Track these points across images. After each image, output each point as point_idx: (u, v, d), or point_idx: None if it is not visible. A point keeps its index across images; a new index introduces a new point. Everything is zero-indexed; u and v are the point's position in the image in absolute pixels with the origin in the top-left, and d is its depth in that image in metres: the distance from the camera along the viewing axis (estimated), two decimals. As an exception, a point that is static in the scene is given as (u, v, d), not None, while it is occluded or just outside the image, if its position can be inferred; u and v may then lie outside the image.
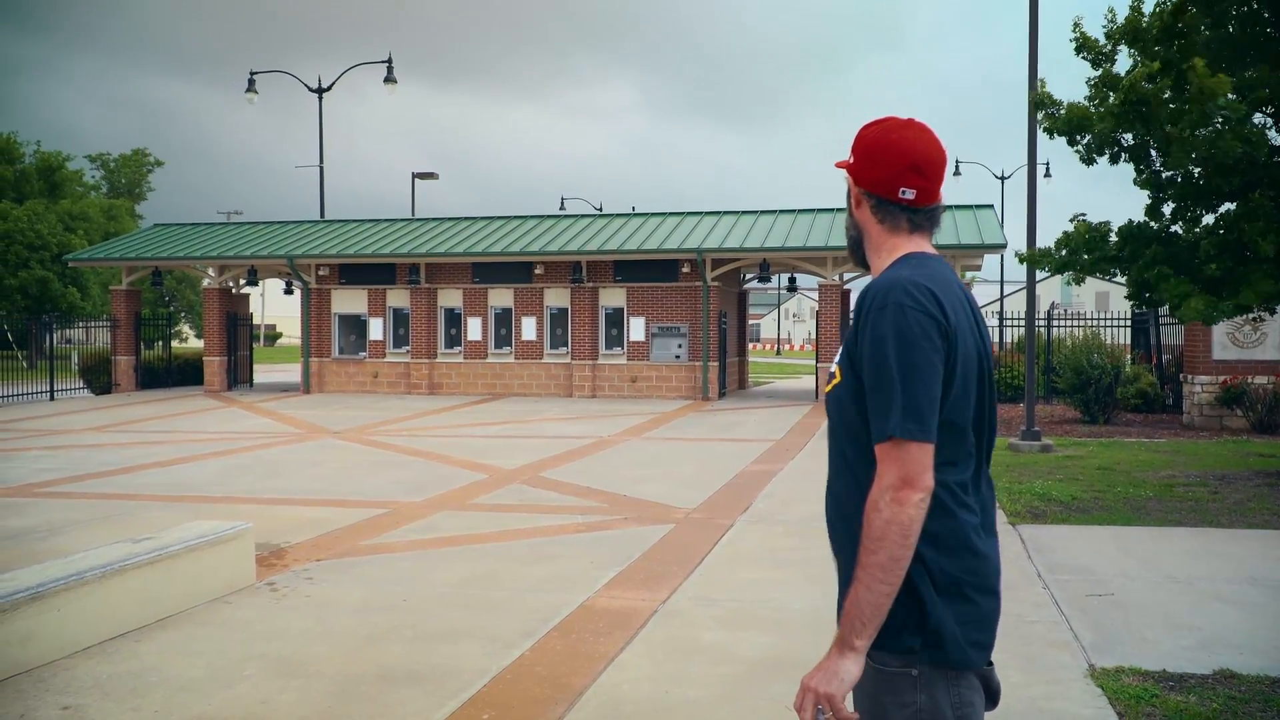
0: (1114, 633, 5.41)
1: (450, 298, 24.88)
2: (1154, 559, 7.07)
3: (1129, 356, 17.63)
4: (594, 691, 4.61)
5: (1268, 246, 9.00)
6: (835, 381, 2.10)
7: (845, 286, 23.86)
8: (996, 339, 23.61)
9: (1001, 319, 24.77)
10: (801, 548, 7.59)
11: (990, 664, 2.04)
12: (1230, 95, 9.10)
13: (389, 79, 30.93)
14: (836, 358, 2.14)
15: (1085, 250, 10.66)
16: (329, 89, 31.51)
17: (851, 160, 2.21)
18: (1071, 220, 10.94)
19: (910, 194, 2.11)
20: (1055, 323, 21.23)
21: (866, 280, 2.24)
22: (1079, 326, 21.02)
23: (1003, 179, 42.04)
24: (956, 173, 41.75)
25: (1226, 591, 6.23)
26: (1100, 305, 69.26)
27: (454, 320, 24.97)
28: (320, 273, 25.52)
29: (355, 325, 25.68)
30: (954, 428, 1.99)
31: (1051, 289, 73.27)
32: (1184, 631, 5.45)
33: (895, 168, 2.11)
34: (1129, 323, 21.08)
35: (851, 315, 2.08)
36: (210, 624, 5.68)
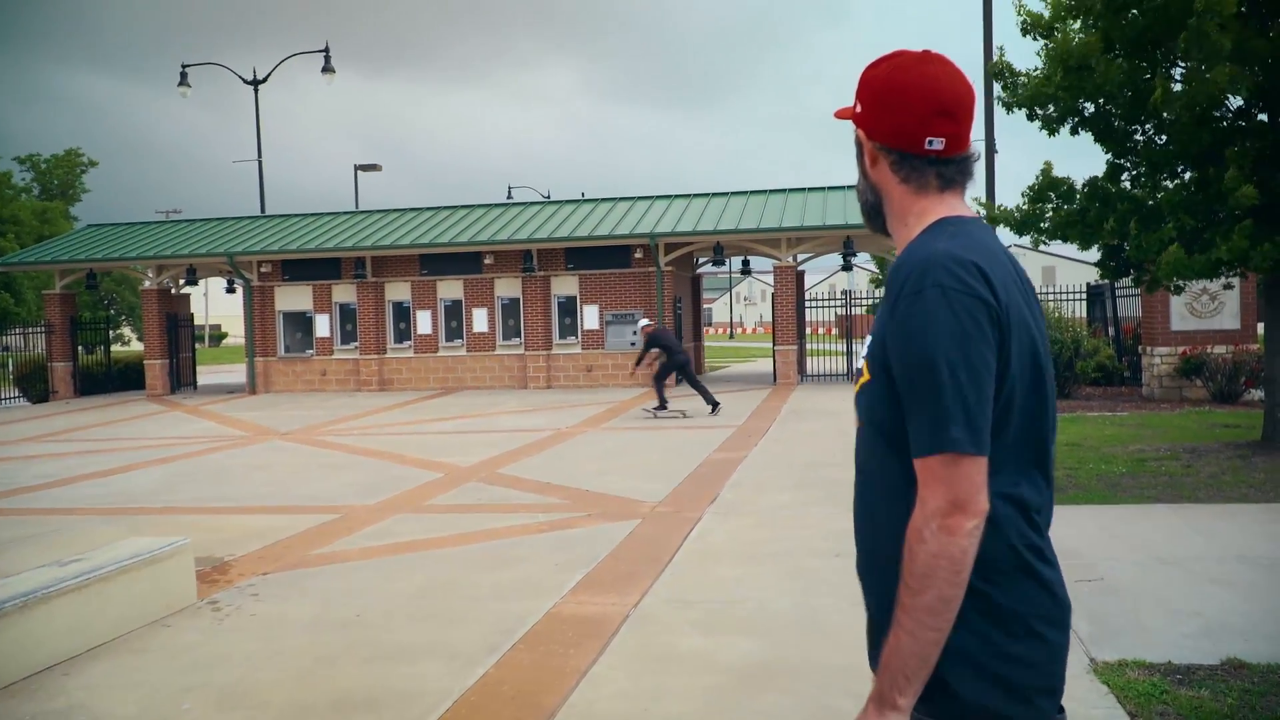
0: (1110, 622, 5.16)
1: (398, 291, 24.27)
2: (1138, 540, 6.86)
3: (1085, 330, 17.57)
4: (566, 711, 4.26)
5: (1246, 194, 8.73)
6: (864, 380, 1.73)
7: (799, 268, 23.65)
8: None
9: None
10: (775, 540, 7.29)
11: (1061, 710, 1.71)
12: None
13: (327, 69, 30.14)
14: (863, 350, 1.77)
15: (1054, 198, 10.45)
16: (264, 81, 30.64)
17: (859, 109, 1.83)
18: (1042, 168, 10.65)
19: (939, 143, 1.74)
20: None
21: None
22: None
23: (950, 157, 42.09)
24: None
25: (1219, 572, 6.02)
26: (1047, 280, 70.05)
27: (403, 314, 24.37)
28: (263, 270, 24.75)
29: (301, 323, 24.96)
30: (1009, 433, 1.64)
31: (999, 265, 73.86)
32: (1184, 618, 5.22)
33: (918, 112, 1.73)
34: (1085, 295, 21.10)
35: (884, 298, 1.71)
36: (146, 651, 5.23)
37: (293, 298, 24.83)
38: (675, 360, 16.59)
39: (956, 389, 1.55)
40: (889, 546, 1.67)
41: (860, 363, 1.77)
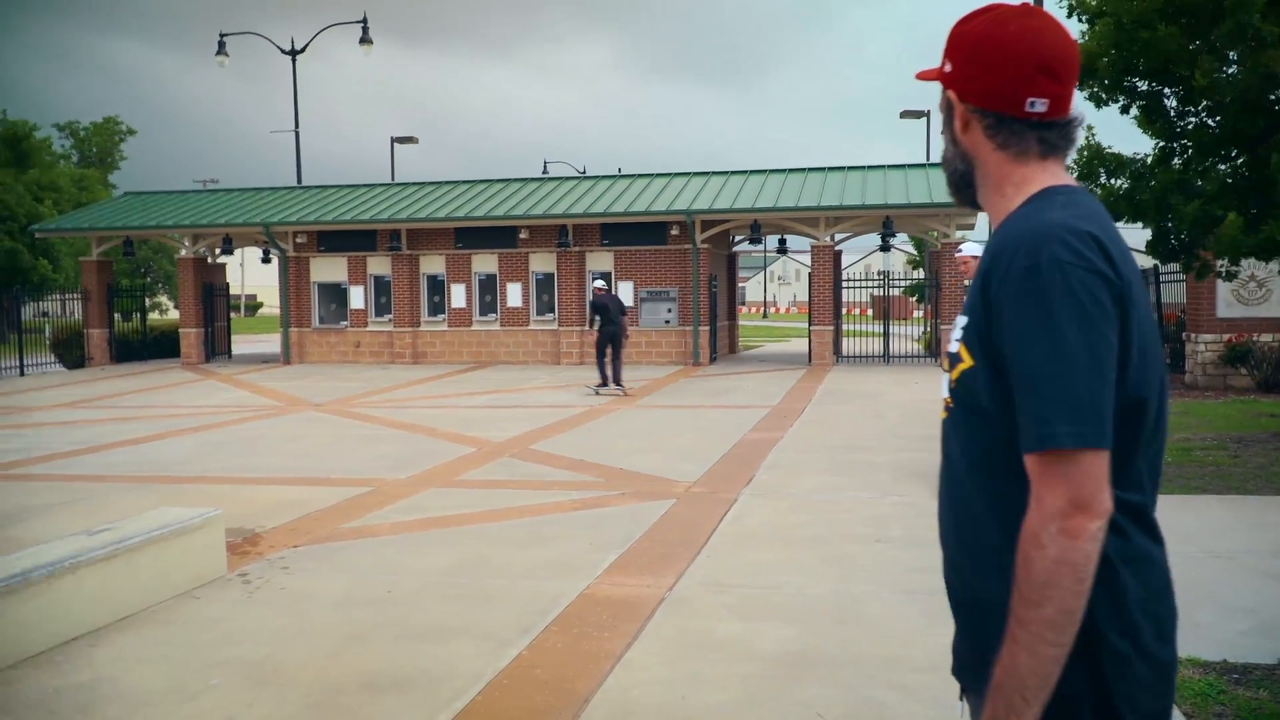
0: (1165, 617, 4.96)
1: (433, 264, 24.23)
2: (1188, 531, 6.64)
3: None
4: (601, 698, 4.14)
5: None
6: (963, 366, 1.56)
7: (837, 248, 23.33)
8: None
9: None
10: (811, 524, 7.13)
11: None
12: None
13: (365, 39, 30.03)
14: (955, 332, 1.61)
15: (1093, 179, 10.16)
16: (302, 51, 30.59)
17: (949, 68, 1.66)
18: (1087, 143, 10.34)
19: (1042, 105, 1.58)
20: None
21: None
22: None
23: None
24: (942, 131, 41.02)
25: (1273, 566, 5.80)
26: (1087, 264, 69.05)
27: (437, 287, 24.33)
28: (298, 240, 24.79)
29: (335, 294, 25.00)
30: (1130, 421, 1.48)
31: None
32: (1238, 615, 5.02)
33: (1019, 70, 1.57)
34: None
35: (980, 275, 1.54)
36: (174, 623, 5.17)
37: (328, 269, 24.86)
38: (606, 331, 16.18)
39: (1076, 374, 1.39)
40: (991, 551, 1.53)
41: (955, 345, 1.60)
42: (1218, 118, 9.66)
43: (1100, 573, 1.41)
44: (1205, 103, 9.59)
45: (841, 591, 5.52)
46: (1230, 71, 8.96)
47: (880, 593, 5.46)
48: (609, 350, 16.31)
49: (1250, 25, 8.26)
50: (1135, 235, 19.69)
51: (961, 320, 1.60)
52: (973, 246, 8.49)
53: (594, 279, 17.09)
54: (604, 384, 16.25)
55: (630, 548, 6.54)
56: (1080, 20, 10.30)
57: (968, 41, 1.63)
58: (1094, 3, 10.08)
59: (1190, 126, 10.05)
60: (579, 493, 8.40)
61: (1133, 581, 1.49)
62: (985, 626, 1.54)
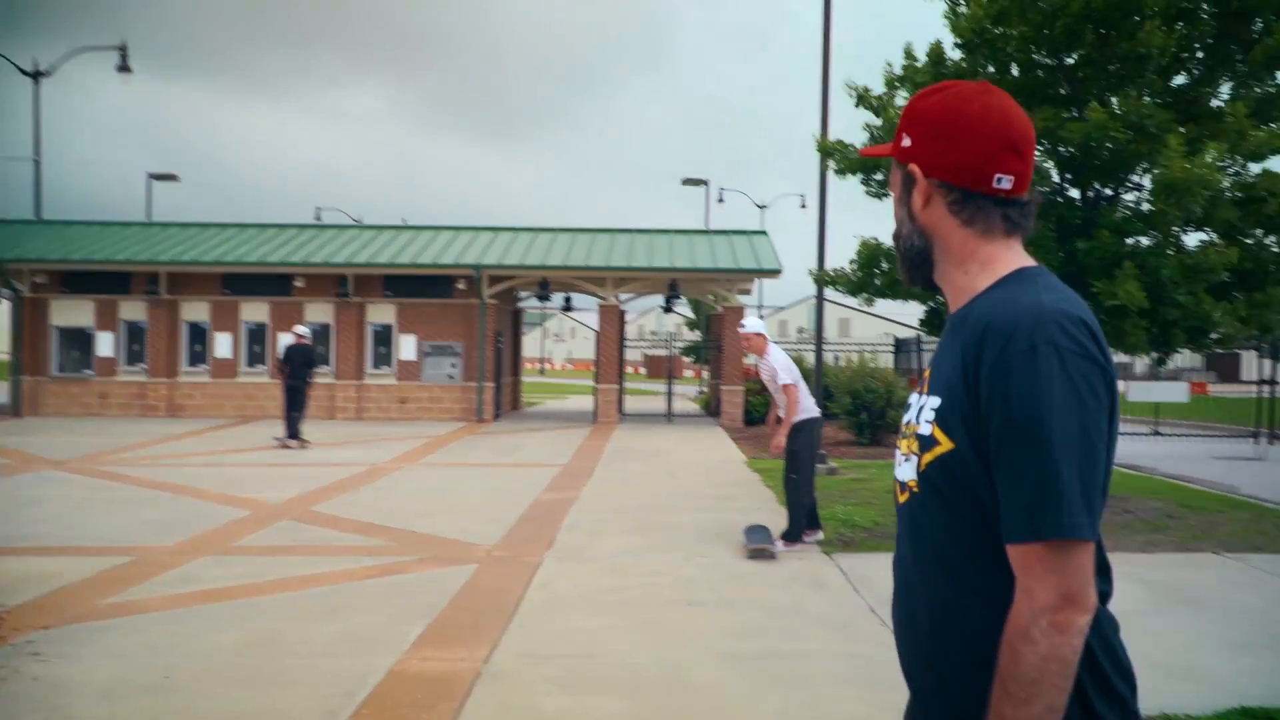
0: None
1: (195, 311, 22.62)
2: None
3: (899, 381, 18.34)
4: (427, 789, 3.78)
5: (1051, 263, 9.25)
6: (941, 450, 1.48)
7: (622, 307, 23.67)
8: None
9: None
10: (621, 588, 6.99)
11: None
12: None
13: (123, 67, 27.99)
14: (924, 414, 1.53)
15: (874, 268, 10.79)
16: (47, 74, 28.13)
17: (908, 142, 1.62)
18: (861, 242, 11.04)
19: (1008, 182, 1.55)
20: (828, 347, 21.95)
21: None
22: (843, 351, 21.81)
23: (762, 208, 43.63)
24: (720, 200, 42.94)
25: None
26: (843, 331, 73.78)
27: (199, 336, 22.71)
28: (36, 280, 22.51)
29: (79, 340, 22.81)
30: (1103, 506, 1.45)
31: (799, 315, 77.31)
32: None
33: (987, 146, 1.54)
34: (893, 348, 22.10)
35: (961, 356, 1.47)
36: (-103, 726, 4.35)
37: (71, 313, 22.68)
38: (287, 383, 16.16)
39: (1073, 464, 1.34)
40: (966, 646, 1.44)
41: (927, 427, 1.51)
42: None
43: (1083, 659, 1.37)
44: None
45: (664, 659, 5.38)
46: None
47: (702, 659, 5.37)
48: (297, 402, 16.20)
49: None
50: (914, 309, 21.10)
51: (932, 401, 1.52)
52: (755, 323, 8.57)
53: (296, 328, 16.72)
54: (292, 435, 16.11)
55: (436, 618, 6.15)
56: (865, 109, 11.01)
57: (931, 117, 1.59)
58: (873, 97, 10.82)
59: None
60: (372, 559, 7.88)
61: (1107, 661, 1.45)
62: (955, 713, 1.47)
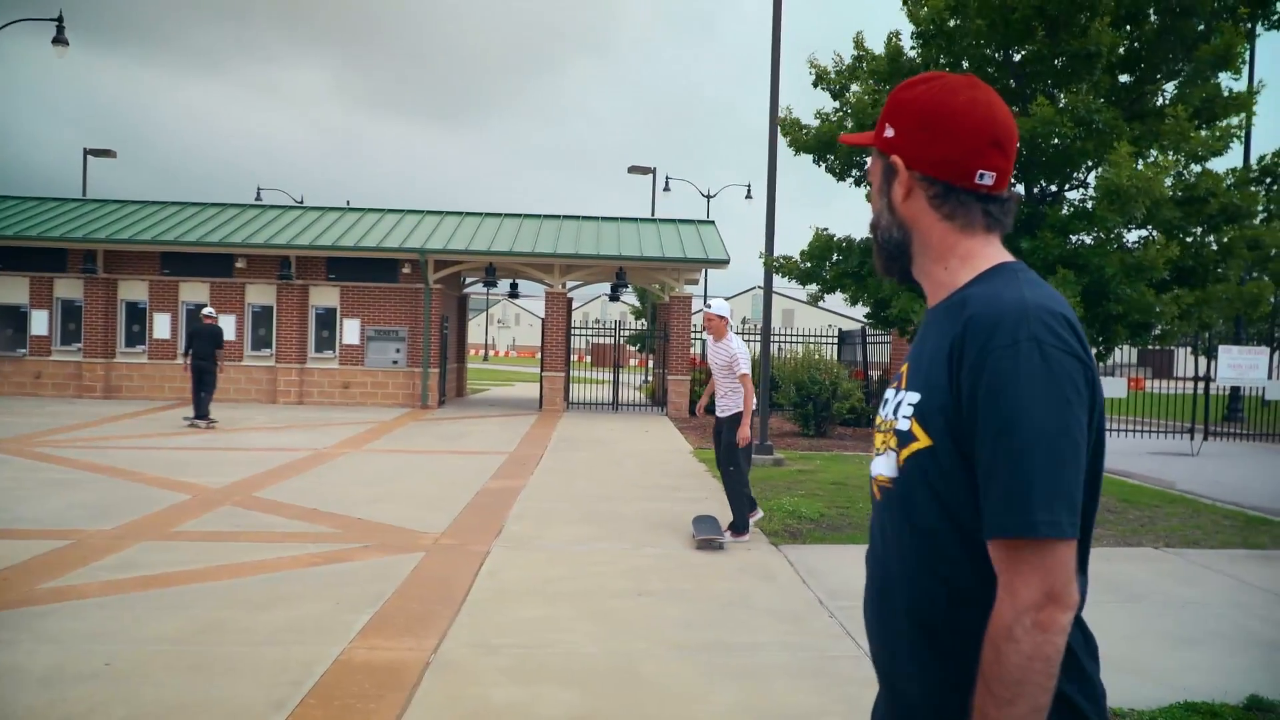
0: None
1: (134, 290, 22.09)
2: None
3: (844, 373, 18.54)
4: (378, 780, 3.75)
5: None
6: (919, 445, 1.48)
7: (569, 295, 23.59)
8: (703, 350, 24.25)
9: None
10: (571, 577, 6.98)
11: None
12: None
13: (59, 39, 27.13)
14: (902, 408, 1.53)
15: (825, 260, 10.88)
16: (-16, 43, 27.18)
17: (891, 133, 1.61)
18: (812, 229, 11.12)
19: (990, 178, 1.56)
20: (774, 338, 22.06)
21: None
22: (788, 342, 21.96)
23: (708, 197, 43.69)
24: (667, 188, 42.92)
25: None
26: (786, 322, 74.22)
27: (138, 316, 22.18)
28: (-32, 255, 21.81)
29: (13, 318, 22.16)
30: (1089, 504, 1.46)
31: (743, 306, 77.69)
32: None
33: (972, 141, 1.54)
34: (837, 340, 22.31)
35: (946, 351, 1.47)
36: None
37: (5, 290, 22.04)
38: (194, 363, 16.20)
39: (1056, 461, 1.34)
40: (943, 642, 1.45)
41: (905, 423, 1.51)
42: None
43: (1066, 662, 1.38)
44: None
45: (614, 650, 5.39)
46: None
47: (653, 650, 5.39)
48: (206, 383, 16.24)
49: None
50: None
51: (912, 396, 1.52)
52: (722, 305, 8.54)
53: (203, 310, 16.65)
54: (199, 415, 16.16)
55: (383, 606, 6.09)
56: (823, 89, 11.09)
57: (917, 107, 1.58)
58: (833, 78, 10.90)
59: None
60: (316, 545, 7.78)
61: (1090, 663, 1.48)
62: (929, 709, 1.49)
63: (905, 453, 1.51)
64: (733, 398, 8.34)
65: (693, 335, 22.12)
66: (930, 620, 1.49)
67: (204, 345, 16.12)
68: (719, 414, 8.45)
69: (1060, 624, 1.32)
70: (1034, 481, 1.33)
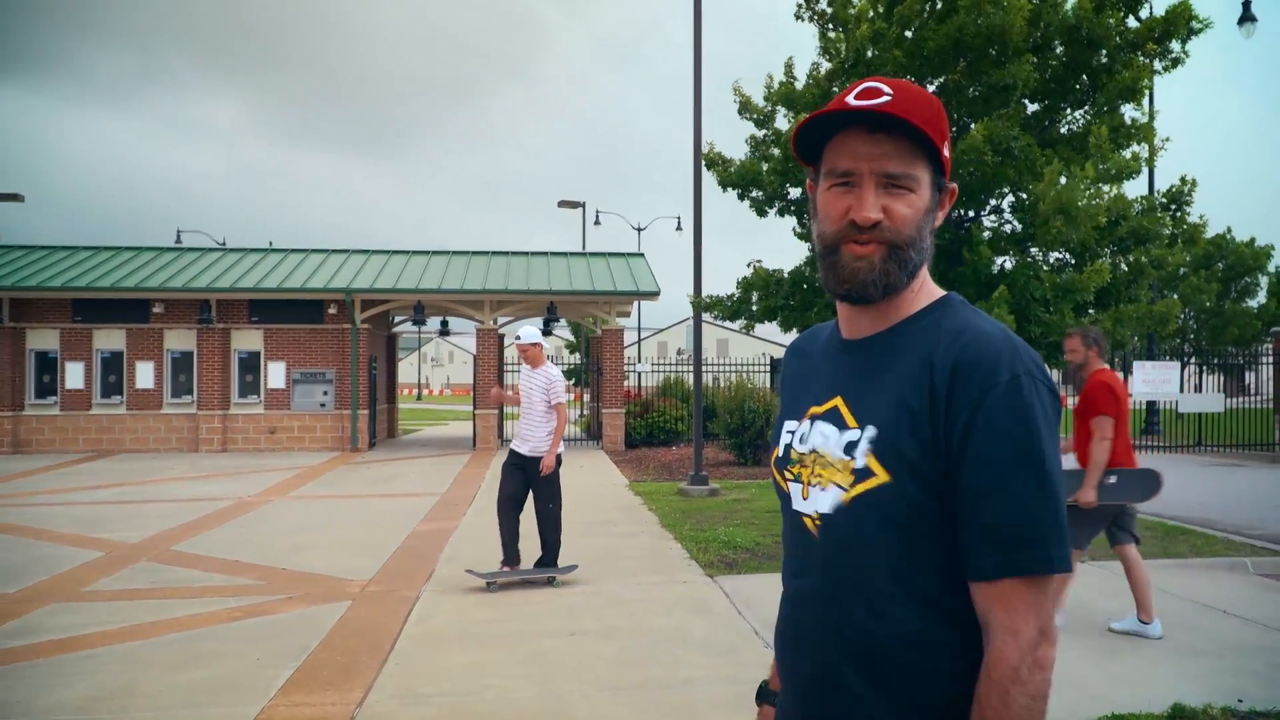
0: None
1: (43, 339, 21.31)
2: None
3: (779, 400, 18.60)
4: None
5: None
6: (876, 481, 1.37)
7: (500, 331, 23.39)
8: (637, 382, 24.21)
9: (641, 362, 25.51)
10: (502, 619, 6.81)
11: None
12: None
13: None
14: (860, 444, 1.40)
15: (763, 294, 10.92)
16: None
17: (947, 151, 1.46)
18: (749, 265, 11.20)
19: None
20: (707, 368, 22.09)
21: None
22: (721, 372, 22.02)
23: (639, 230, 43.89)
24: (597, 222, 43.01)
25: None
26: (721, 352, 74.76)
27: (48, 366, 21.38)
28: None
29: (-86, 372, 21.21)
30: None
31: (678, 337, 78.09)
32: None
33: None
34: (769, 368, 22.43)
35: (929, 386, 1.36)
36: None
37: (-96, 342, 21.09)
38: None
39: (1055, 495, 1.30)
40: (896, 685, 1.36)
41: (862, 459, 1.39)
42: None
43: None
44: None
45: (547, 692, 5.24)
46: None
47: (586, 691, 5.25)
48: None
49: None
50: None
51: (869, 432, 1.39)
52: (533, 333, 8.04)
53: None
54: None
55: (307, 660, 5.85)
56: (748, 118, 11.19)
57: (945, 124, 1.45)
58: (759, 107, 11.00)
59: None
60: (237, 599, 7.48)
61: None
62: None
63: (858, 489, 1.39)
64: (542, 429, 7.94)
65: (625, 367, 22.06)
66: (878, 660, 1.39)
67: None
68: (525, 451, 7.95)
69: (1052, 659, 1.28)
70: (1046, 518, 1.29)
